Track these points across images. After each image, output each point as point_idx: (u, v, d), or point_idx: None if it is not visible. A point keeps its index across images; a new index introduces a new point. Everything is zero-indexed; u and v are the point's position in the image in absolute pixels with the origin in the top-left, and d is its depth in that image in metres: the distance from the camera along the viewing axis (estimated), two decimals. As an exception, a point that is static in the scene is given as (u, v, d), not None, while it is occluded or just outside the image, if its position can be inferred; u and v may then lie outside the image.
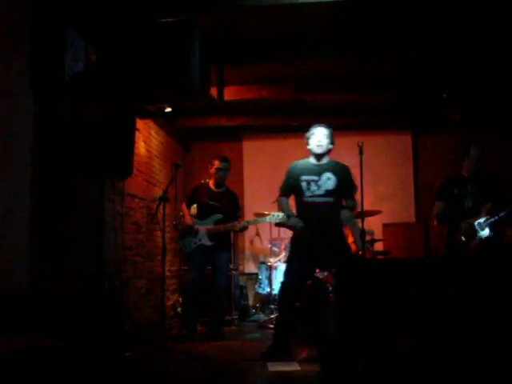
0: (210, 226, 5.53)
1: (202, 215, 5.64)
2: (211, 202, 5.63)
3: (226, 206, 5.64)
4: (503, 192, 4.77)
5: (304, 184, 4.51)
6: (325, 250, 4.42)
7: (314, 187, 4.49)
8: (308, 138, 4.60)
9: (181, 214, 5.90)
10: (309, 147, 4.60)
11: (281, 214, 5.28)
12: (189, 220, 5.63)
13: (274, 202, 6.36)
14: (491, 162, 5.32)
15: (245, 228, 5.65)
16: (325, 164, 4.60)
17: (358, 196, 4.57)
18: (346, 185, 4.56)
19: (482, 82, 6.36)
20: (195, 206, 5.78)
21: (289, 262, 4.68)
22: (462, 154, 4.97)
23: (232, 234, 6.61)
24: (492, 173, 5.11)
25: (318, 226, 4.46)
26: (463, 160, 4.95)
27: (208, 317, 5.71)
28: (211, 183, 5.74)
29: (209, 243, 5.51)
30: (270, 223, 7.16)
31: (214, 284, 5.59)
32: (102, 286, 3.52)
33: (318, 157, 4.58)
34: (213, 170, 5.68)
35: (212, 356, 4.49)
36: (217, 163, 5.67)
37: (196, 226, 5.56)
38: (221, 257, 5.59)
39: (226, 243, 5.74)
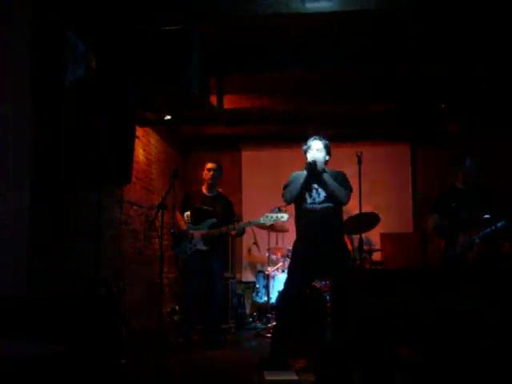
0: (205, 231, 5.51)
1: (196, 220, 5.60)
2: (205, 207, 5.61)
3: (220, 210, 5.63)
4: (501, 202, 4.78)
5: (305, 191, 4.55)
6: (326, 257, 4.45)
7: (315, 194, 4.55)
8: (305, 152, 4.64)
9: (175, 220, 5.84)
10: (306, 160, 4.64)
11: (274, 215, 5.36)
12: (183, 226, 5.61)
13: (280, 207, 6.39)
14: (491, 171, 5.35)
15: (242, 230, 5.62)
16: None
17: (356, 205, 4.60)
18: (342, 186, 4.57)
19: (481, 91, 6.38)
20: (188, 213, 5.70)
21: (290, 270, 4.65)
22: (458, 166, 5.03)
23: (230, 241, 6.61)
24: (492, 182, 5.14)
25: (320, 231, 4.49)
26: (459, 171, 5.00)
27: (204, 324, 5.65)
28: (203, 188, 5.74)
29: (204, 248, 5.48)
30: (269, 232, 7.24)
31: (210, 290, 5.54)
32: (99, 293, 3.51)
33: None
34: (204, 172, 5.70)
35: (208, 364, 4.47)
36: (208, 165, 5.71)
37: (191, 232, 5.53)
38: (216, 262, 5.56)
39: (222, 248, 5.72)
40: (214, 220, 5.56)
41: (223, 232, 5.52)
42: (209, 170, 5.69)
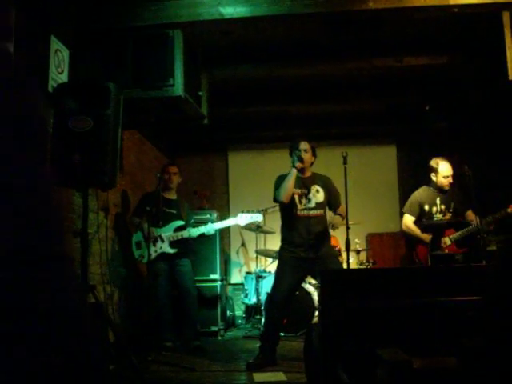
0: (170, 233, 5.43)
1: (160, 223, 5.42)
2: (168, 210, 5.53)
3: (183, 212, 5.59)
4: (473, 201, 4.75)
5: (296, 197, 4.56)
6: (317, 262, 4.48)
7: (305, 200, 4.57)
8: (291, 152, 4.66)
9: (137, 221, 5.61)
10: (292, 161, 4.64)
11: (248, 215, 5.31)
12: (146, 228, 5.30)
13: (266, 209, 6.40)
14: (481, 170, 5.37)
15: (208, 232, 5.45)
16: (310, 177, 4.70)
17: (342, 205, 4.63)
18: (334, 195, 4.70)
19: (468, 91, 6.41)
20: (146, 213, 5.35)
21: (278, 274, 4.65)
22: (431, 170, 5.06)
23: (218, 242, 6.59)
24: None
25: (311, 238, 4.53)
26: (433, 176, 5.03)
27: (181, 329, 5.55)
28: (163, 190, 5.63)
29: (171, 251, 5.40)
30: (257, 233, 7.24)
31: (182, 294, 5.46)
32: (86, 299, 3.49)
33: (302, 170, 4.63)
34: (165, 175, 5.62)
35: (197, 367, 4.46)
36: (169, 168, 5.71)
37: (155, 235, 5.37)
38: (185, 264, 5.49)
39: (189, 250, 5.61)
40: (181, 222, 5.51)
41: (193, 235, 5.41)
42: (169, 173, 5.67)
